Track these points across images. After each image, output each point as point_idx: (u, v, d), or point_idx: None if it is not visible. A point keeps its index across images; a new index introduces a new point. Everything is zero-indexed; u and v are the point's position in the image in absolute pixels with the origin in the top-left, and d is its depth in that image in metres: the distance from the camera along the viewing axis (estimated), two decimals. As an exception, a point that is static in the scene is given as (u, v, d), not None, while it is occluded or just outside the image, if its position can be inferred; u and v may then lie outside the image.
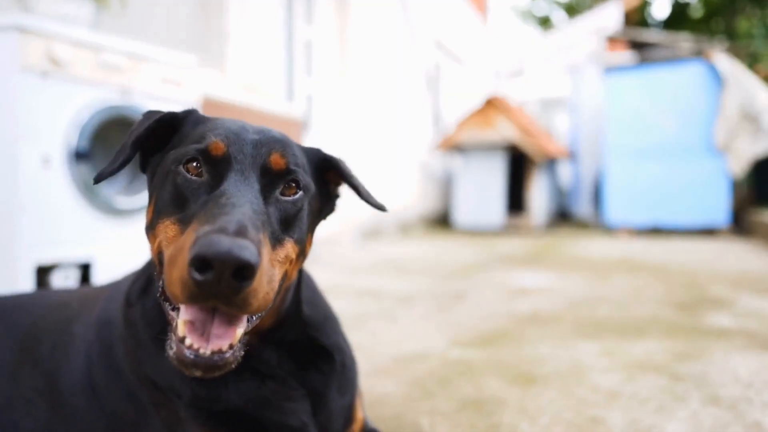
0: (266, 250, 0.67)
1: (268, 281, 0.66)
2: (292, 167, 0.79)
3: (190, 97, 2.66)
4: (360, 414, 1.02)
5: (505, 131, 7.20)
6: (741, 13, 14.17)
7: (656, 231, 6.86)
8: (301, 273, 0.95)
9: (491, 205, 7.46)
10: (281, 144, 0.81)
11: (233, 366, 0.69)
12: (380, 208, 0.93)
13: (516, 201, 7.70)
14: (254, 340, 0.86)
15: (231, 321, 0.69)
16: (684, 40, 7.68)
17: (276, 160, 0.78)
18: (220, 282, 0.59)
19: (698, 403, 1.43)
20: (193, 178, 0.75)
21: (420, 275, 3.71)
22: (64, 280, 2.18)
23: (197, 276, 0.59)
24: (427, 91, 8.67)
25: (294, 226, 0.79)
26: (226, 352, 0.67)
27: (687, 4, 17.07)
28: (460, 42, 9.98)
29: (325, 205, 0.95)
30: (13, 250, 2.01)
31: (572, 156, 9.11)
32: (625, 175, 6.97)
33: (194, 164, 0.76)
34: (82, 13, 2.64)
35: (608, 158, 7.12)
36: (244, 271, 0.60)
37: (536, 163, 7.38)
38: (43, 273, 2.14)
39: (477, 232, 7.34)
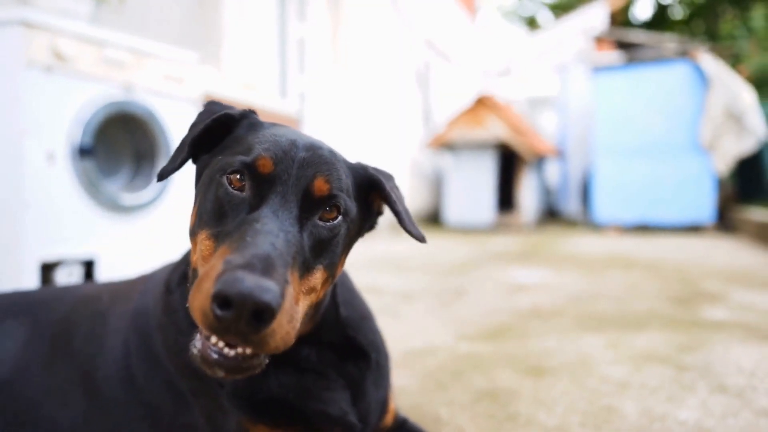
0: (291, 289, 0.66)
1: (288, 320, 0.65)
2: (335, 192, 0.78)
3: (192, 94, 2.65)
4: (392, 405, 1.04)
5: (495, 130, 7.26)
6: (722, 15, 14.44)
7: (644, 228, 6.98)
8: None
9: (482, 203, 7.53)
10: (327, 166, 0.79)
11: (256, 371, 0.69)
12: (420, 239, 0.90)
13: (506, 199, 7.78)
14: None
15: None
16: (669, 41, 7.82)
17: (319, 185, 0.76)
18: (239, 321, 0.59)
19: (706, 391, 1.48)
20: (235, 192, 0.75)
21: (417, 272, 3.74)
22: (67, 277, 2.16)
23: (217, 311, 0.60)
24: (417, 89, 8.70)
25: (327, 251, 0.77)
26: (251, 355, 0.67)
27: (669, 6, 17.35)
28: (450, 41, 10.03)
29: (365, 223, 0.92)
30: (18, 246, 1.99)
31: (560, 154, 9.22)
32: (614, 173, 7.09)
33: (238, 177, 0.75)
34: (81, 8, 2.61)
35: (597, 157, 7.23)
36: (264, 313, 0.60)
37: (526, 162, 7.46)
38: (47, 270, 2.12)
39: (468, 230, 7.39)
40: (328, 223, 0.77)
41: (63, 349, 1.01)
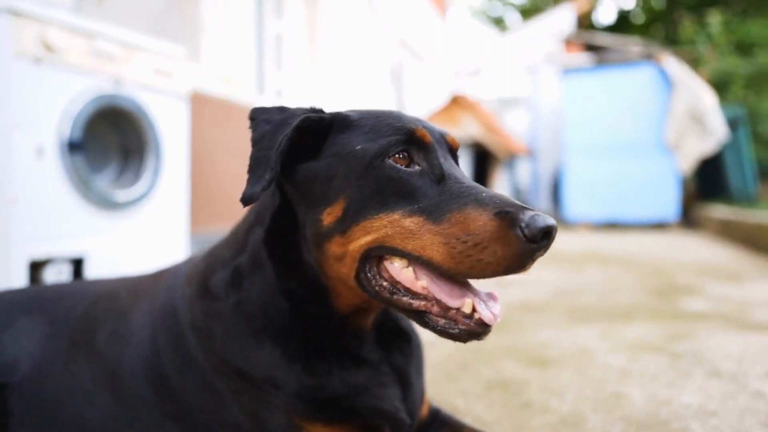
0: None
1: None
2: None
3: (181, 89, 2.60)
4: (426, 395, 1.06)
5: (470, 129, 7.36)
6: (680, 21, 15.02)
7: (612, 225, 7.21)
8: None
9: (456, 202, 7.61)
10: (437, 127, 0.89)
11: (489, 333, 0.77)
12: None
13: (479, 197, 7.89)
14: (364, 324, 0.91)
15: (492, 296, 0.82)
16: (635, 44, 8.10)
17: (453, 141, 0.89)
18: (547, 246, 0.72)
19: (702, 377, 1.56)
20: (409, 169, 0.78)
21: (402, 269, 3.77)
22: (56, 276, 2.10)
23: (535, 246, 0.70)
24: (392, 88, 8.73)
25: None
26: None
27: (629, 11, 17.91)
28: (422, 41, 10.10)
29: None
30: (6, 244, 1.92)
31: (531, 154, 9.41)
32: (584, 172, 7.29)
33: (401, 156, 0.79)
34: (63, -2, 2.53)
35: (567, 156, 7.42)
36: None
37: (500, 160, 7.59)
38: (35, 268, 2.05)
39: (443, 228, 7.47)
40: None
41: (85, 348, 0.98)
